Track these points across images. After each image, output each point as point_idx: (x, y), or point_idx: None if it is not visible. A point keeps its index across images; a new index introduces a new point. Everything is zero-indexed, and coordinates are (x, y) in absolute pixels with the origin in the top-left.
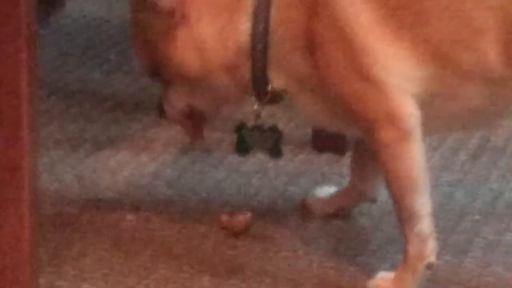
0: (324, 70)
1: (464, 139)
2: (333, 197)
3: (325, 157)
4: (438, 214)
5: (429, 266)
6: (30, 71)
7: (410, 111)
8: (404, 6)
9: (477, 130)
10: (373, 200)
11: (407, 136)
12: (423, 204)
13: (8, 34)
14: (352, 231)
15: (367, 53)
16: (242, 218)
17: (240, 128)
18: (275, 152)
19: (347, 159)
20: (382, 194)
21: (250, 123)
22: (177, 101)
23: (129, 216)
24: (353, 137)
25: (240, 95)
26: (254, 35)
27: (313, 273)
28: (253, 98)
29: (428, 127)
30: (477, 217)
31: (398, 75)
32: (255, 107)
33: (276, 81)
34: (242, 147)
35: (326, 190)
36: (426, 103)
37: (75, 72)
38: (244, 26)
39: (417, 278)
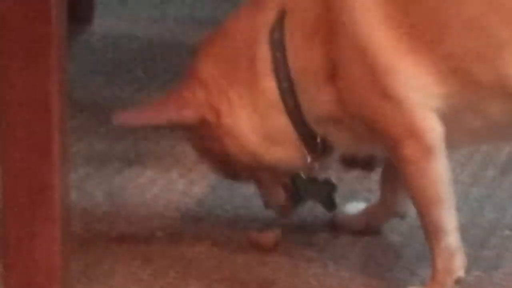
0: (346, 93)
1: (492, 154)
2: (362, 213)
3: (354, 173)
4: (467, 229)
5: (458, 281)
6: (61, 89)
7: (432, 127)
8: (423, 23)
9: (504, 143)
10: (403, 217)
11: (430, 151)
12: (449, 218)
13: (39, 53)
14: (381, 247)
15: (387, 71)
16: (272, 234)
17: (295, 179)
18: (329, 204)
19: (375, 175)
20: (411, 210)
21: (305, 175)
22: (271, 188)
23: (159, 233)
24: (382, 155)
25: (298, 160)
26: (282, 94)
27: None
28: (305, 152)
29: (453, 142)
30: (506, 232)
31: (419, 92)
32: (308, 160)
33: (318, 128)
34: (297, 197)
35: (355, 207)
36: (449, 118)
37: (103, 89)
38: (270, 90)
39: None
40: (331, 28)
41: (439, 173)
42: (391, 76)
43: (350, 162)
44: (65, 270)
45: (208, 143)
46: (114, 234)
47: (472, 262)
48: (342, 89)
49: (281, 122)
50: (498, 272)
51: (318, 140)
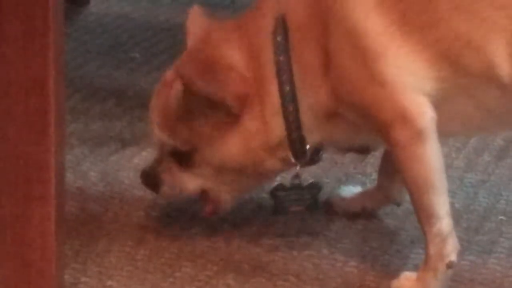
0: (339, 82)
1: (488, 140)
2: (358, 197)
3: (349, 156)
4: (462, 214)
5: (450, 265)
6: (57, 69)
7: (423, 111)
8: (414, 8)
9: (500, 132)
10: (398, 204)
11: (421, 136)
12: (441, 203)
13: (36, 32)
14: (376, 231)
15: (378, 57)
16: None
17: (276, 191)
18: (313, 206)
19: (370, 159)
20: (407, 195)
21: (288, 183)
22: (192, 184)
23: (154, 214)
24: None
25: (280, 168)
26: (282, 98)
27: (337, 272)
28: (293, 161)
29: (447, 129)
30: (501, 217)
31: (411, 76)
32: (298, 168)
33: (311, 138)
34: (280, 209)
35: (350, 190)
36: (443, 105)
37: (99, 70)
38: (274, 95)
39: (439, 278)
40: (325, 19)
41: (431, 157)
42: (383, 61)
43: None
44: (59, 249)
45: (211, 126)
46: (109, 215)
47: (466, 247)
48: (335, 78)
49: (280, 129)
50: (491, 257)
51: (307, 147)
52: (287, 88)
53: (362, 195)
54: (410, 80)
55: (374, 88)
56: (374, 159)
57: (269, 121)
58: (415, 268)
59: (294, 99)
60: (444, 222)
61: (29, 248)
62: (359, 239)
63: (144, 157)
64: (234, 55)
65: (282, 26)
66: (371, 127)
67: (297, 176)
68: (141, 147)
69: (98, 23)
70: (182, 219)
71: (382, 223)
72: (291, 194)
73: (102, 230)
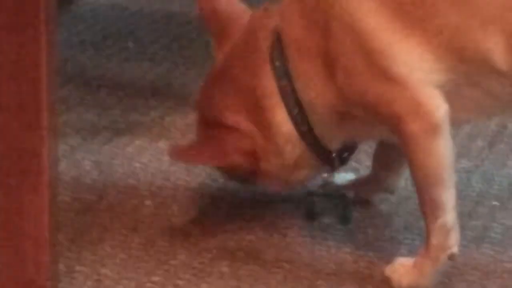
0: (346, 84)
1: (481, 126)
2: (351, 184)
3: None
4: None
5: (451, 257)
6: (50, 58)
7: (437, 103)
8: (411, 3)
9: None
10: (392, 192)
11: (435, 129)
12: (448, 197)
13: (28, 21)
14: (369, 216)
15: (385, 54)
16: None
17: (309, 195)
18: (345, 219)
19: (363, 146)
20: (400, 182)
21: (319, 191)
22: None
23: (148, 202)
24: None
25: (314, 174)
26: (295, 122)
27: (331, 258)
28: (325, 169)
29: (458, 118)
30: (494, 202)
31: (419, 69)
32: (325, 175)
33: (332, 144)
34: (311, 214)
35: (344, 177)
36: (452, 94)
37: (92, 60)
38: (284, 123)
39: (438, 268)
40: (323, 23)
41: (444, 150)
42: (389, 57)
43: None
44: (53, 239)
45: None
46: (103, 203)
47: (460, 233)
48: (342, 80)
49: (300, 149)
50: (485, 242)
51: (333, 155)
52: (296, 111)
53: (355, 182)
54: (419, 74)
55: (383, 85)
56: (368, 146)
57: (284, 149)
58: (409, 253)
59: (305, 120)
60: (449, 215)
61: (23, 238)
62: (353, 225)
63: (137, 146)
64: (231, 111)
65: (279, 48)
66: (383, 122)
67: (327, 183)
68: (134, 136)
69: (91, 12)
70: (176, 207)
71: (376, 209)
72: (323, 201)
73: (96, 219)
